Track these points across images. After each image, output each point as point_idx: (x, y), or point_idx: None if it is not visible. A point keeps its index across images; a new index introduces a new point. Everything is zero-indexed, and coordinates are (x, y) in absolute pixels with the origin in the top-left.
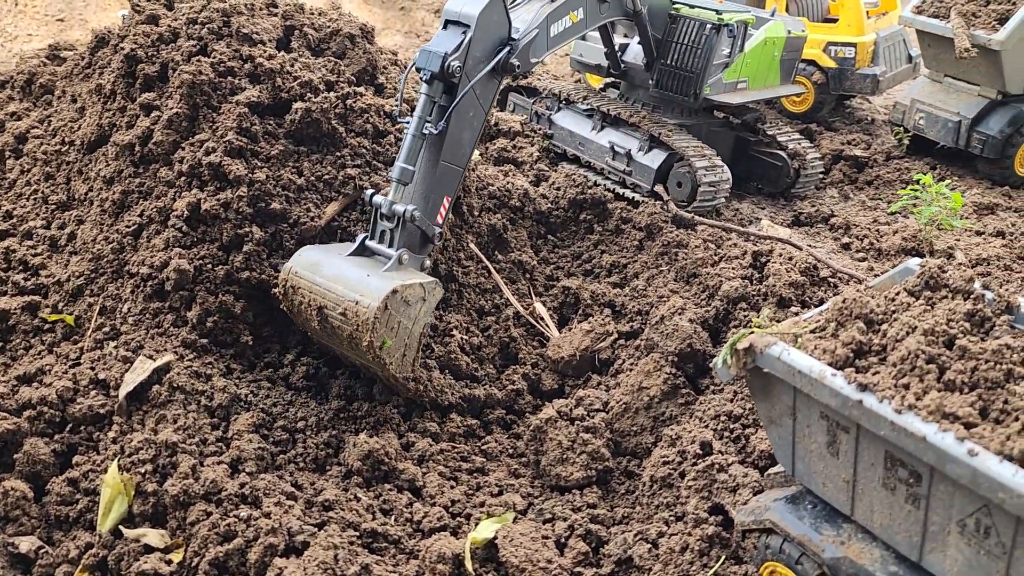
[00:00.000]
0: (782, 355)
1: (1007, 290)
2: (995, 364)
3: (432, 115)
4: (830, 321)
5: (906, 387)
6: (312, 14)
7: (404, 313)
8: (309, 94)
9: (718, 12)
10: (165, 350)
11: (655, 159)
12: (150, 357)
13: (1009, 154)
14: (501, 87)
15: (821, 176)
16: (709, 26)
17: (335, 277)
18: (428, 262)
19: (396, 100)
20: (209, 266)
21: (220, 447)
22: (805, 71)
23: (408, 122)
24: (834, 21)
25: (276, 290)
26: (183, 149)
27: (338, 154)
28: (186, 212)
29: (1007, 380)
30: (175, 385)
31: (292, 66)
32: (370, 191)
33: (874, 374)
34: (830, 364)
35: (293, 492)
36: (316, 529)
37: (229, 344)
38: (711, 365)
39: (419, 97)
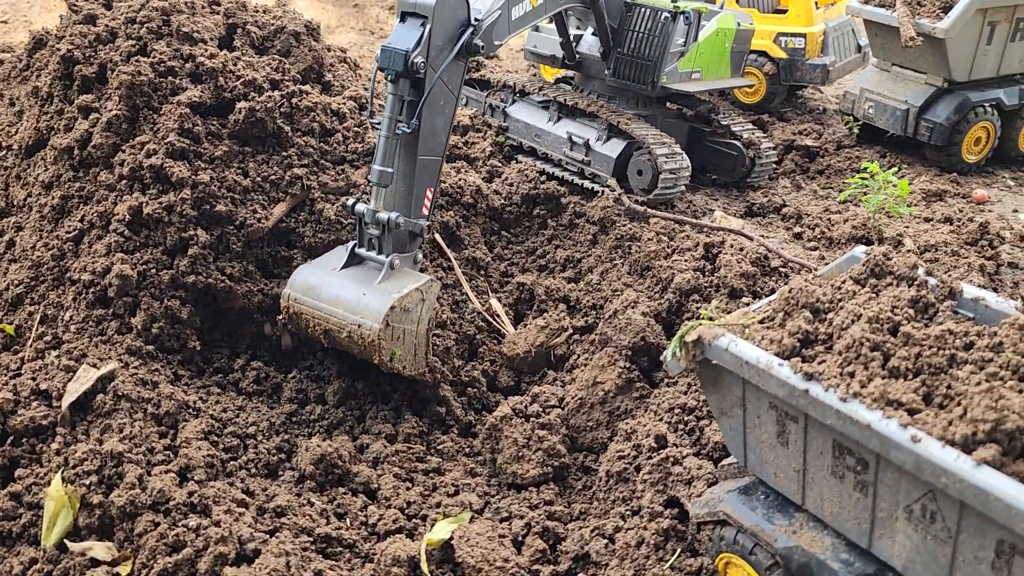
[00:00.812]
0: (730, 346)
1: (951, 276)
2: (938, 350)
3: (403, 113)
4: (778, 311)
5: (851, 375)
6: (256, 12)
7: (407, 320)
8: (253, 93)
9: (673, 0)
10: (109, 358)
11: (614, 148)
12: (94, 366)
13: (956, 141)
14: (468, 70)
15: (774, 166)
16: (665, 14)
17: (334, 300)
18: (419, 256)
19: (367, 99)
20: (153, 271)
21: (168, 455)
22: (756, 62)
23: (379, 123)
24: (784, 12)
25: (280, 316)
26: (123, 152)
27: (284, 154)
28: (128, 216)
29: (950, 365)
30: (120, 393)
31: (235, 65)
32: (351, 200)
33: (820, 363)
34: (777, 354)
35: (244, 499)
36: (268, 536)
37: (176, 350)
38: (662, 358)
39: (386, 97)
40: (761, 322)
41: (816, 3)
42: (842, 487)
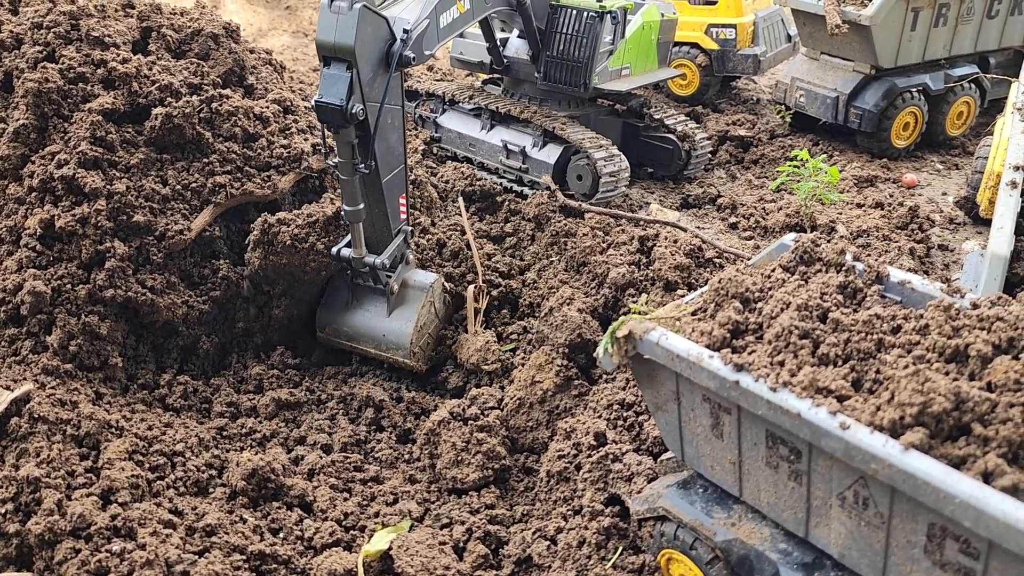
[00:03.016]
0: (660, 340)
1: (880, 260)
2: (867, 335)
3: (356, 154)
4: (709, 302)
5: (781, 364)
6: (172, 14)
7: (426, 329)
8: (170, 98)
9: (599, 0)
10: (24, 379)
11: (551, 154)
12: (7, 388)
13: (885, 127)
14: (405, 77)
15: (709, 157)
16: (592, 14)
17: (360, 337)
18: (411, 256)
19: (319, 143)
20: (68, 286)
21: (89, 478)
22: (689, 54)
23: (336, 163)
24: (714, 3)
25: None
26: (33, 163)
27: (205, 160)
28: (39, 230)
29: (878, 350)
30: (36, 416)
31: (150, 69)
32: (335, 248)
33: (751, 353)
34: (708, 346)
35: (171, 520)
36: (197, 557)
37: (97, 367)
38: (595, 355)
39: (334, 143)
40: (693, 314)
41: None
42: (777, 477)
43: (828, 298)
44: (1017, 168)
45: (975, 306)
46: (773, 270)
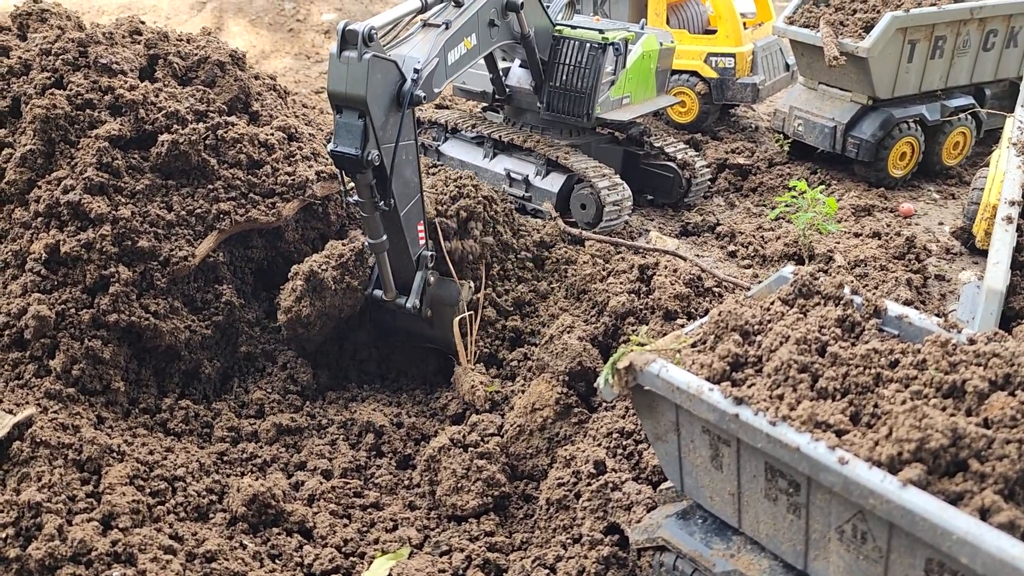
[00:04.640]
0: (661, 372)
1: (876, 294)
2: (864, 369)
3: (375, 194)
4: (708, 334)
5: (780, 397)
6: (179, 41)
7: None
8: (176, 125)
9: (601, 31)
10: (27, 403)
11: (555, 183)
12: (10, 412)
13: (882, 156)
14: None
15: (709, 185)
16: (595, 45)
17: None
18: (431, 277)
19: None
20: (72, 311)
21: (90, 503)
22: (688, 82)
23: (358, 202)
24: (714, 33)
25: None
26: (39, 188)
27: (210, 187)
28: (45, 255)
29: (876, 384)
30: (39, 440)
31: (157, 96)
32: (369, 290)
33: (750, 386)
34: (708, 379)
35: (172, 545)
36: None
37: (99, 391)
38: (596, 385)
39: (353, 185)
40: (693, 346)
41: (744, 23)
42: (776, 509)
43: (827, 331)
44: (1013, 203)
45: (972, 341)
46: (772, 303)
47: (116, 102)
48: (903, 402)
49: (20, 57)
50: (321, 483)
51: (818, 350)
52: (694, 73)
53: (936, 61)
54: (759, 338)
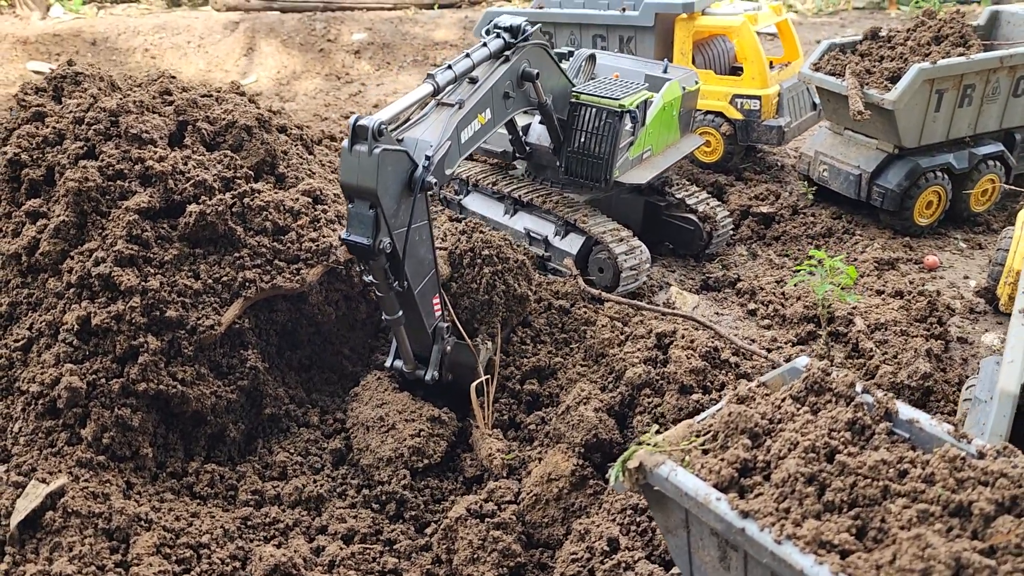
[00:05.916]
0: (670, 476)
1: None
2: (872, 481)
3: (388, 275)
4: (719, 433)
5: (787, 512)
6: (207, 99)
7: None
8: (204, 195)
9: (617, 98)
10: (59, 471)
11: (573, 244)
12: (43, 481)
13: (908, 206)
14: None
15: (731, 233)
16: (612, 111)
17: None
18: (448, 346)
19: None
20: (103, 380)
21: (119, 573)
22: (714, 122)
23: (375, 283)
24: (740, 74)
25: None
26: (72, 259)
27: (236, 255)
28: (76, 326)
29: (884, 497)
30: (70, 510)
31: (185, 165)
32: (388, 362)
33: (757, 496)
34: (716, 485)
35: None
36: None
37: (128, 458)
38: (607, 477)
39: (368, 273)
40: (702, 446)
41: (771, 63)
42: None
43: (836, 435)
44: None
45: (981, 455)
46: (784, 400)
47: (146, 172)
48: (909, 520)
49: (54, 126)
50: (341, 548)
51: (827, 456)
52: (719, 114)
53: (964, 109)
54: (768, 441)
